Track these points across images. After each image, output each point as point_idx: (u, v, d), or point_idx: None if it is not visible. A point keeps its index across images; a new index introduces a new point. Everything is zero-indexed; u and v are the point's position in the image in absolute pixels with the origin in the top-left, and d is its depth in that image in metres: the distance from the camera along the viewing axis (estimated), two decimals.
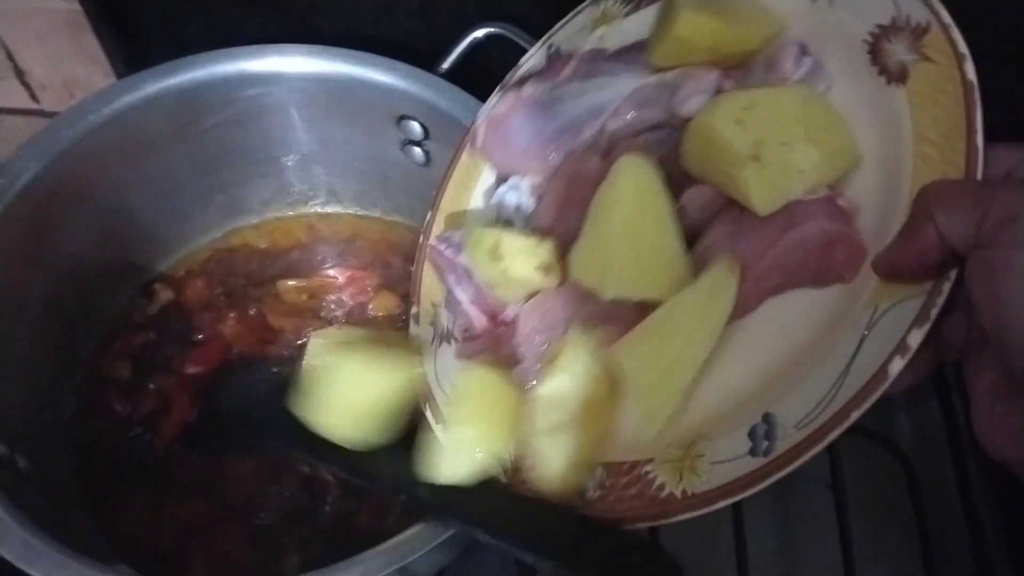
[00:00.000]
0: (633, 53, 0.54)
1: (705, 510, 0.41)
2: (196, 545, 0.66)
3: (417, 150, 0.77)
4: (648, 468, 0.44)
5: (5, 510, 0.52)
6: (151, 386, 0.74)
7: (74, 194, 0.70)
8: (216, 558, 0.66)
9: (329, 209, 0.88)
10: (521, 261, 0.52)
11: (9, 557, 0.50)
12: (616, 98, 0.54)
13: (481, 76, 0.71)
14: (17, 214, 0.65)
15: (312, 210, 0.87)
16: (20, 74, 0.92)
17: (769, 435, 0.40)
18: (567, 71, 0.57)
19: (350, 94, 0.74)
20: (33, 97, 0.95)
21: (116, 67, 0.87)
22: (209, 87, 0.71)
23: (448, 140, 0.73)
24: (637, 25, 0.55)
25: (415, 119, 0.74)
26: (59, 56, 0.89)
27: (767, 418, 0.40)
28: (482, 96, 0.69)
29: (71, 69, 0.91)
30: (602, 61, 0.56)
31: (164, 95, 0.70)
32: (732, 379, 0.44)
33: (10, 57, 0.90)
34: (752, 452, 0.40)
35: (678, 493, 0.42)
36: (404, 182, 0.82)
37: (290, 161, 0.82)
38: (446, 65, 0.73)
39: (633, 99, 0.53)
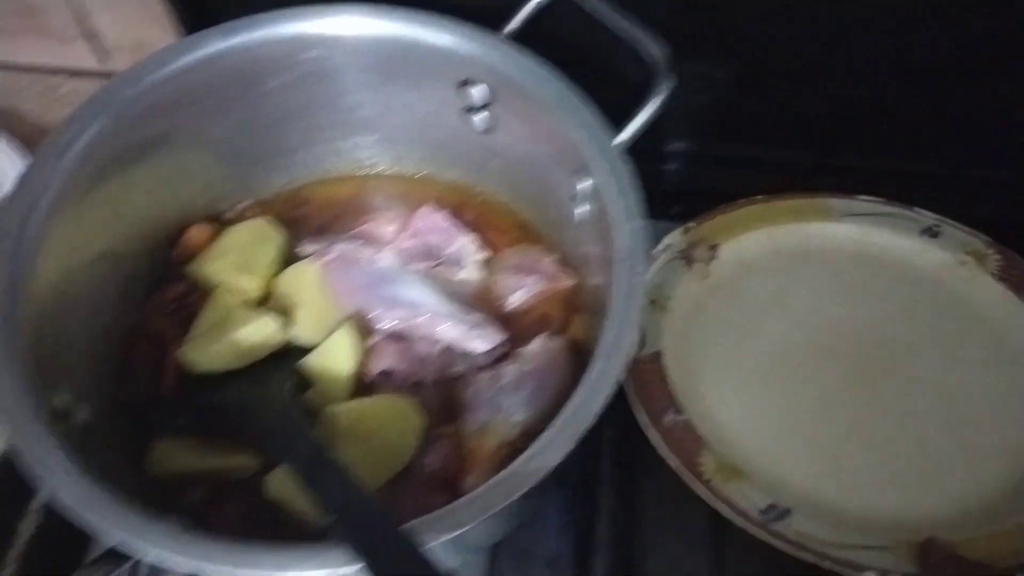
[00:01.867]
0: None
1: None
2: (236, 497, 0.67)
3: (478, 117, 0.76)
4: None
5: (68, 459, 0.52)
6: None
7: (136, 151, 0.70)
8: (254, 511, 0.66)
9: (387, 173, 0.87)
10: None
11: (71, 506, 0.51)
12: None
13: (547, 40, 0.69)
14: (81, 169, 0.65)
15: (369, 173, 0.87)
16: (90, 36, 0.93)
17: None
18: None
19: (411, 56, 0.72)
20: (102, 60, 0.96)
21: (184, 30, 0.87)
22: (270, 48, 0.71)
23: (512, 106, 0.71)
24: None
25: (478, 84, 0.72)
26: (130, 19, 0.90)
27: None
28: (548, 60, 0.68)
29: (141, 32, 0.92)
30: None
31: (226, 54, 0.70)
32: None
33: (81, 19, 0.91)
34: None
35: None
36: (464, 149, 0.81)
37: (349, 125, 0.82)
38: (511, 27, 0.71)
39: None
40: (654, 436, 0.71)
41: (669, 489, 0.70)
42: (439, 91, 0.75)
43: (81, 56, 0.95)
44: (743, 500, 0.69)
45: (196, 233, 0.79)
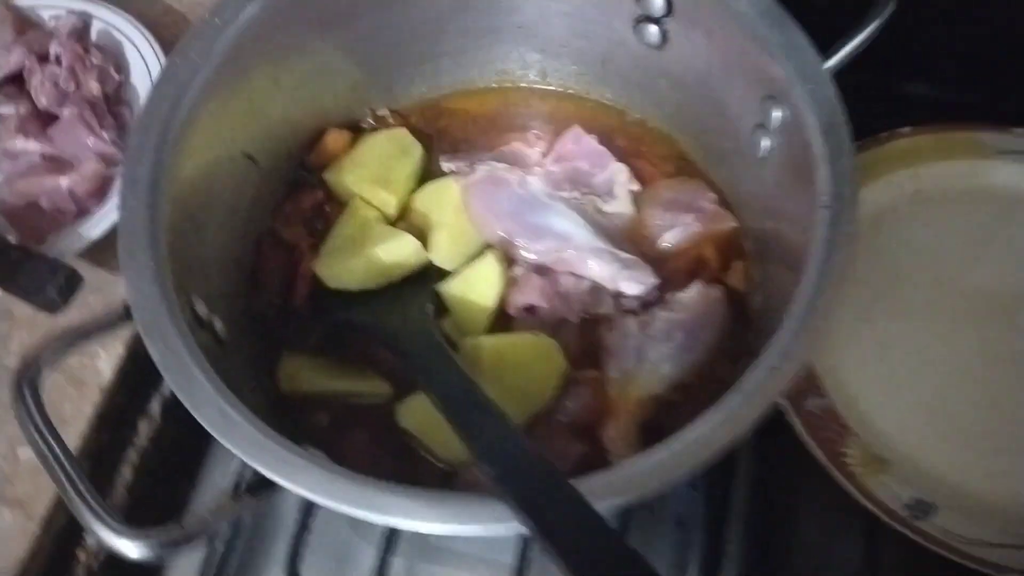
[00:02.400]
0: None
1: None
2: (366, 423, 0.64)
3: (653, 28, 0.67)
4: None
5: (205, 376, 0.49)
6: None
7: (281, 47, 0.65)
8: (384, 439, 0.63)
9: (537, 87, 0.79)
10: None
11: (206, 425, 0.47)
12: None
13: None
14: (226, 62, 0.61)
15: (517, 86, 0.79)
16: None
17: None
18: None
19: None
20: None
21: None
22: None
23: (695, 18, 0.63)
24: None
25: None
26: None
27: None
28: None
29: None
30: None
31: None
32: None
33: None
34: None
35: None
36: (627, 65, 0.73)
37: (503, 31, 0.75)
38: None
39: None
40: (796, 424, 0.64)
41: (810, 464, 0.64)
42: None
43: None
44: (887, 495, 0.63)
45: (333, 139, 0.74)
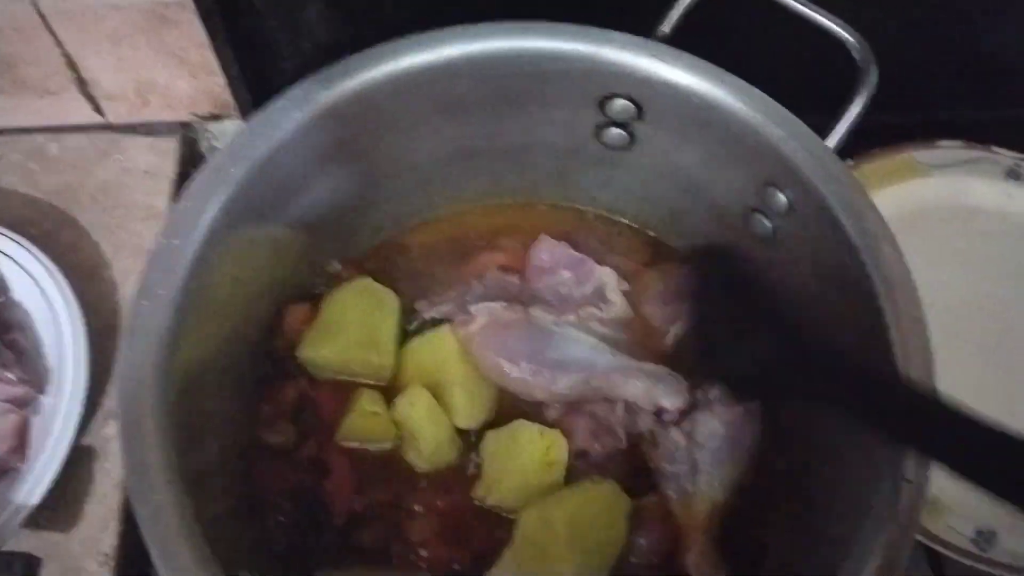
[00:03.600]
0: None
1: None
2: None
3: (617, 131, 0.65)
4: None
5: None
6: None
7: (243, 241, 0.57)
8: None
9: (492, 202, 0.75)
10: None
11: None
12: None
13: (707, 40, 0.59)
14: (194, 276, 0.52)
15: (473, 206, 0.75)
16: (83, 84, 0.76)
17: None
18: None
19: (545, 75, 0.60)
20: (97, 109, 0.79)
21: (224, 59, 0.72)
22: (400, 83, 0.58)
23: (665, 117, 0.61)
24: None
25: (626, 97, 0.61)
26: (133, 60, 0.74)
27: None
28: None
29: (147, 73, 0.75)
30: None
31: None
32: None
33: (71, 66, 0.74)
34: None
35: None
36: (587, 170, 0.70)
37: (457, 161, 0.69)
38: (667, 29, 0.60)
39: None
40: None
41: None
42: (570, 110, 0.63)
43: (73, 109, 0.78)
44: (952, 535, 0.65)
45: (294, 314, 0.66)
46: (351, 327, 0.64)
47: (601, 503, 0.59)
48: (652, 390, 0.63)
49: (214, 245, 0.52)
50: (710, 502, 0.61)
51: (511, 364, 0.62)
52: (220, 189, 0.52)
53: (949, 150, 0.80)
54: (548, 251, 0.70)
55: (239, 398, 0.61)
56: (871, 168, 0.78)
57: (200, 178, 0.53)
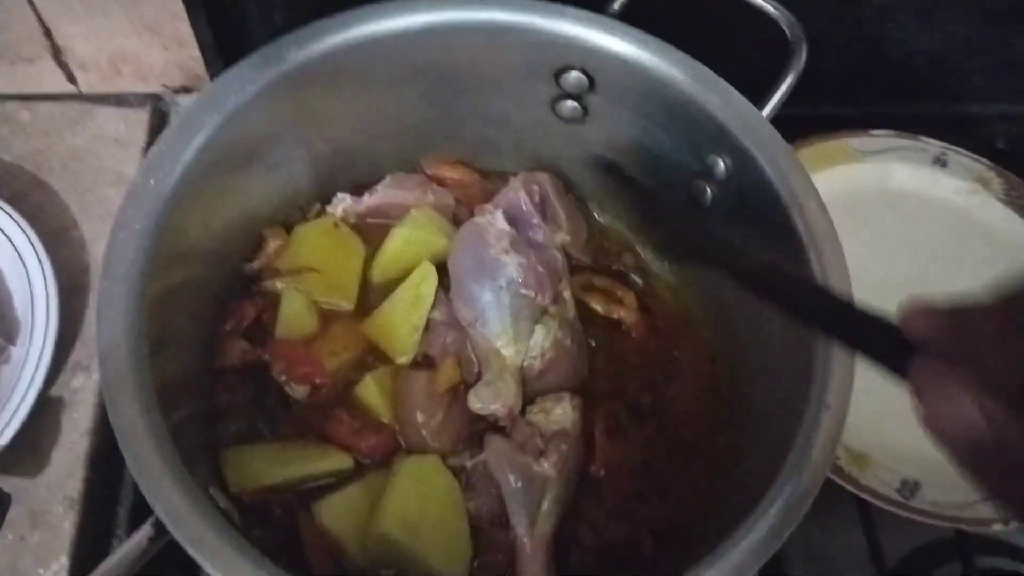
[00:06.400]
0: None
1: None
2: None
3: (571, 104, 0.69)
4: None
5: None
6: None
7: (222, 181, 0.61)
8: None
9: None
10: None
11: None
12: None
13: (654, 18, 0.64)
14: (163, 215, 0.55)
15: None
16: (57, 52, 0.79)
17: None
18: None
19: (502, 47, 0.65)
20: (70, 78, 0.82)
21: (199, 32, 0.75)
22: (364, 48, 0.62)
23: (615, 89, 0.66)
24: None
25: (579, 69, 0.65)
26: (107, 29, 0.76)
27: None
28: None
29: (121, 44, 0.78)
30: None
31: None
32: None
33: (47, 34, 0.77)
34: None
35: None
36: (542, 142, 0.74)
37: (417, 129, 0.73)
38: (616, 5, 0.65)
39: None
40: None
41: None
42: (528, 81, 0.68)
43: (46, 76, 0.80)
44: (877, 484, 0.70)
45: (273, 239, 0.70)
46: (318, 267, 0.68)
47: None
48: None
49: (188, 185, 0.55)
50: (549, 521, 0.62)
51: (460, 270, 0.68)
52: (194, 135, 0.56)
53: (880, 138, 0.87)
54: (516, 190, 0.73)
55: (206, 318, 0.65)
56: (808, 152, 0.84)
57: (175, 125, 0.56)
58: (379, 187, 0.73)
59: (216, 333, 0.65)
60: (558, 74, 0.66)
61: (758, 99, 0.62)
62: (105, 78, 0.82)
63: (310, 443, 0.63)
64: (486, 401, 0.64)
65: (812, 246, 0.56)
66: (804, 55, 0.61)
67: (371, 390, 0.64)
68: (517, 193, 0.72)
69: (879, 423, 0.72)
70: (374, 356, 0.67)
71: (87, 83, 0.82)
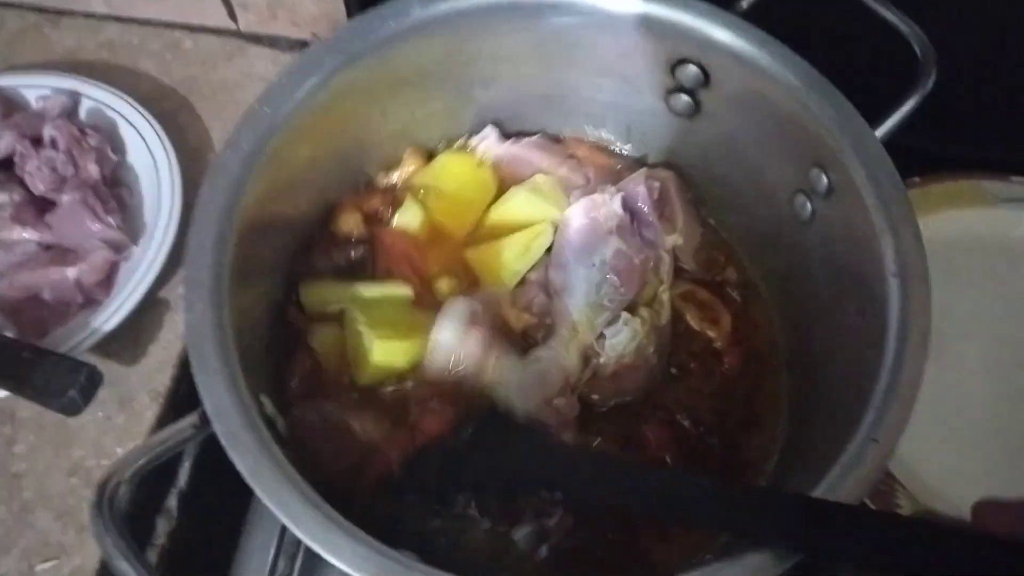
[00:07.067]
0: None
1: None
2: None
3: (685, 98, 0.69)
4: None
5: (298, 490, 0.46)
6: None
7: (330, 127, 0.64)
8: None
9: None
10: None
11: (314, 545, 0.45)
12: None
13: (784, 23, 0.62)
14: (279, 145, 0.59)
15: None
16: None
17: None
18: None
19: (626, 32, 0.65)
20: (232, 15, 0.88)
21: None
22: (484, 15, 0.64)
23: (730, 88, 0.65)
24: None
25: (696, 63, 0.65)
26: None
27: None
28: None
29: None
30: None
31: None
32: None
33: None
34: None
35: None
36: (653, 131, 0.74)
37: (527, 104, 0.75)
38: (744, 5, 0.63)
39: None
40: None
41: None
42: (644, 70, 0.68)
43: (209, 11, 0.87)
44: None
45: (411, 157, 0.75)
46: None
47: None
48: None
49: (299, 119, 0.59)
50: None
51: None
52: (313, 73, 0.59)
53: (1021, 186, 0.80)
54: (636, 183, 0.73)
55: (287, 253, 0.69)
56: (934, 189, 0.79)
57: (298, 61, 0.60)
58: (524, 140, 0.75)
59: (302, 261, 0.69)
60: (675, 66, 0.66)
61: (876, 118, 0.60)
62: (262, 20, 0.88)
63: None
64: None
65: (896, 277, 0.53)
66: (932, 78, 0.58)
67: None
68: (638, 187, 0.72)
69: (952, 483, 0.68)
70: (469, 281, 0.70)
71: (246, 22, 0.89)
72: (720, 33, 0.61)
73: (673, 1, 0.62)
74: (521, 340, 0.66)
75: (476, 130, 0.76)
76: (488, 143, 0.75)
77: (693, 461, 0.64)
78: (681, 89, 0.68)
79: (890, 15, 0.59)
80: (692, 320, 0.71)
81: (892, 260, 0.54)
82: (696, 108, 0.69)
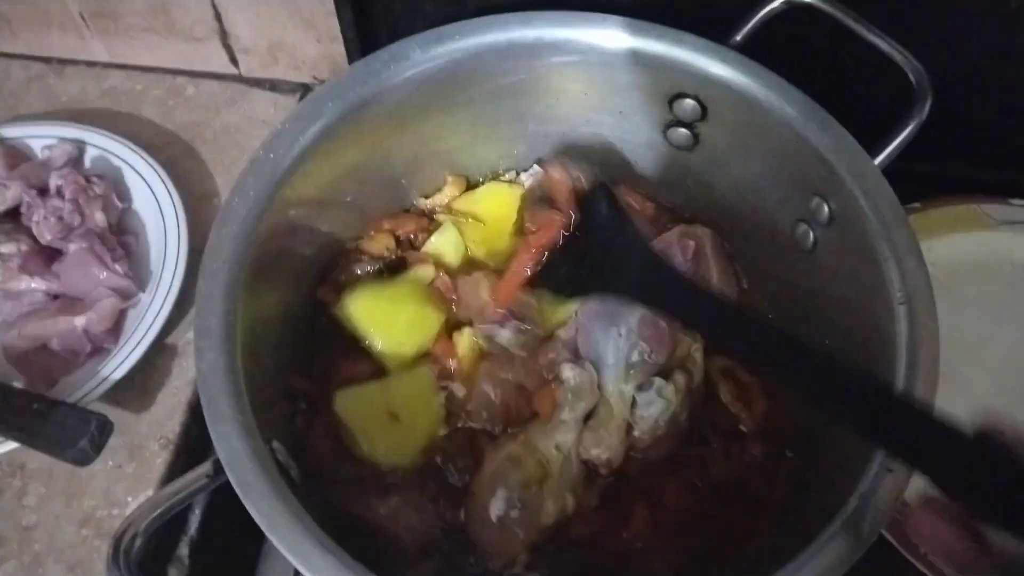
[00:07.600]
0: None
1: None
2: None
3: (683, 131, 0.69)
4: None
5: (315, 538, 0.46)
6: None
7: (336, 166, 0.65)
8: None
9: None
10: None
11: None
12: None
13: (778, 54, 0.63)
14: (281, 189, 0.59)
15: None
16: (224, 36, 0.87)
17: None
18: None
19: (623, 68, 0.66)
20: (233, 60, 0.89)
21: (345, 31, 0.80)
22: (481, 56, 0.64)
23: (728, 121, 0.65)
24: None
25: (693, 97, 0.66)
26: (270, 18, 0.83)
27: None
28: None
29: (280, 34, 0.85)
30: None
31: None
32: None
33: (217, 17, 0.85)
34: None
35: None
36: (651, 165, 0.75)
37: (526, 138, 0.76)
38: (739, 38, 0.64)
39: None
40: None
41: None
42: (642, 104, 0.68)
43: (211, 56, 0.89)
44: None
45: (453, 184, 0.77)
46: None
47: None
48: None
49: (304, 163, 0.59)
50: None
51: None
52: (314, 120, 0.60)
53: (1021, 208, 0.81)
54: None
55: (297, 291, 0.69)
56: (934, 213, 0.79)
57: (300, 107, 0.61)
58: None
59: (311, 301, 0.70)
60: (672, 100, 0.67)
61: (873, 145, 0.60)
62: (263, 64, 0.89)
63: None
64: (588, 446, 0.64)
65: (903, 304, 0.54)
66: (928, 106, 0.59)
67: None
68: (672, 246, 0.71)
69: None
70: None
71: (247, 66, 0.90)
72: (716, 67, 0.62)
73: (668, 37, 0.63)
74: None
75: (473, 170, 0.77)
76: (534, 177, 0.76)
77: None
78: (679, 123, 0.69)
79: (883, 44, 0.59)
80: (724, 395, 0.67)
81: (898, 288, 0.55)
82: (695, 141, 0.69)
